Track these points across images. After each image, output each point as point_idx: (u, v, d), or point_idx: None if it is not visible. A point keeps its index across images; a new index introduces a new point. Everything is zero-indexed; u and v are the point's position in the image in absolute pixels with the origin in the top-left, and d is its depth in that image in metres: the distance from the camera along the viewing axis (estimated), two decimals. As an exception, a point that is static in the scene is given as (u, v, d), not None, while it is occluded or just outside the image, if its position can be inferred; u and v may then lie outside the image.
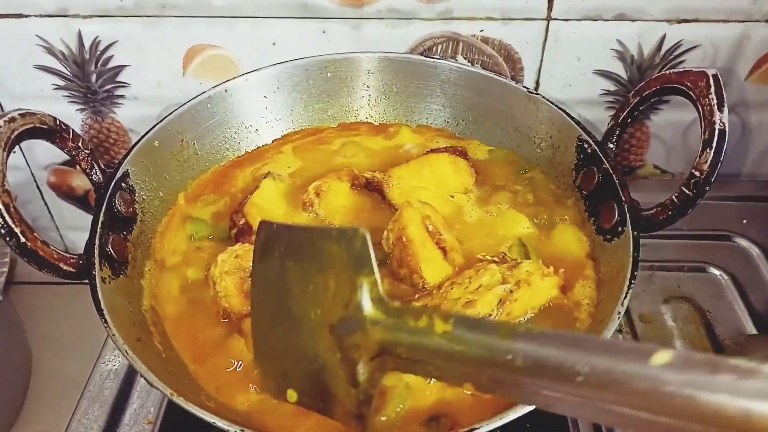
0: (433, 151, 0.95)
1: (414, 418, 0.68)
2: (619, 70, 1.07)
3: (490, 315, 0.72)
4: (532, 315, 0.75)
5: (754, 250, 1.04)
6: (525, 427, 0.74)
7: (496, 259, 0.79)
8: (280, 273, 0.62)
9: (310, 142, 1.01)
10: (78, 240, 1.31)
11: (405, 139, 1.01)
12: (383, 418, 0.68)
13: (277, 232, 0.65)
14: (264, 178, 0.91)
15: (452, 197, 0.89)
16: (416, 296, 0.76)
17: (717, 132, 0.72)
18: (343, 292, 0.57)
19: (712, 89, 0.73)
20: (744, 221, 1.08)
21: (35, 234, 0.69)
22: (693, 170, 0.74)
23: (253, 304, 0.67)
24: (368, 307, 0.55)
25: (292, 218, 0.88)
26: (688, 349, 0.39)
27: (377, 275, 0.56)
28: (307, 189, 0.89)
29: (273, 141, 1.02)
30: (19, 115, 0.71)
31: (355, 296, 0.56)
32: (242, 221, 0.84)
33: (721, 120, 0.72)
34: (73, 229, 1.30)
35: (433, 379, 0.69)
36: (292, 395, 0.63)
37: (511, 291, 0.73)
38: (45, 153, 1.17)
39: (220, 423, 0.61)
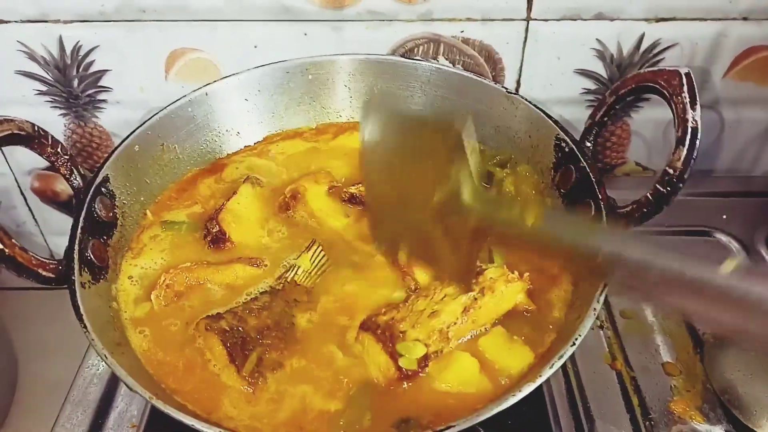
0: None
1: (384, 421, 0.68)
2: (599, 69, 1.08)
3: (454, 323, 0.73)
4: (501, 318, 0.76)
5: (734, 246, 1.05)
6: (507, 423, 0.74)
7: None
8: (386, 154, 0.69)
9: (290, 144, 1.02)
10: (63, 245, 1.28)
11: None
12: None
13: (384, 114, 0.71)
14: (243, 182, 0.91)
15: None
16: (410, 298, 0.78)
17: (690, 129, 0.73)
18: (441, 179, 0.64)
19: (685, 87, 0.74)
20: (723, 216, 1.09)
21: (13, 240, 0.69)
22: (667, 168, 0.75)
23: (366, 180, 0.76)
24: (466, 194, 0.63)
25: (270, 223, 0.88)
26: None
27: (471, 166, 0.63)
28: (283, 192, 0.89)
29: (255, 143, 1.02)
30: (-4, 121, 0.71)
31: (453, 183, 0.63)
32: (216, 229, 0.84)
33: (693, 118, 0.73)
34: (58, 234, 1.30)
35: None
36: (402, 256, 0.76)
37: (475, 298, 0.74)
38: (28, 158, 1.17)
39: (199, 426, 0.62)
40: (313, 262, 0.81)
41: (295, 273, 0.80)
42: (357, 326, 0.75)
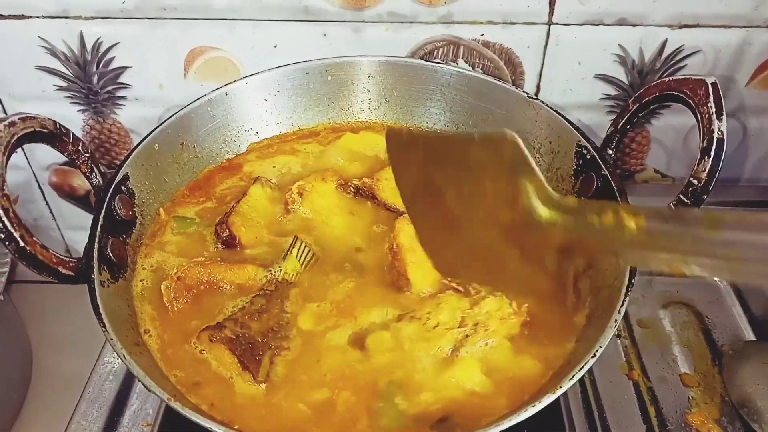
0: None
1: (425, 421, 0.68)
2: (620, 74, 1.07)
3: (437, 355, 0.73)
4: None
5: (754, 256, 1.04)
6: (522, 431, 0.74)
7: (460, 288, 0.78)
8: (426, 179, 0.61)
9: (306, 144, 1.02)
10: (79, 240, 1.31)
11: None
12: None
13: (409, 140, 0.64)
14: (253, 184, 0.90)
15: None
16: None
17: (715, 140, 0.72)
18: (505, 195, 0.55)
19: (711, 97, 0.73)
20: (744, 227, 1.08)
21: (34, 238, 0.69)
22: (691, 178, 0.74)
23: (408, 208, 0.66)
24: (540, 208, 0.53)
25: (281, 224, 0.88)
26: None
27: (539, 174, 0.54)
28: (290, 188, 0.89)
29: (272, 143, 1.02)
30: (19, 119, 0.71)
31: (522, 199, 0.54)
32: (226, 233, 0.84)
33: (719, 128, 0.72)
34: (74, 228, 1.31)
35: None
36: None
37: (467, 335, 0.73)
38: (46, 153, 1.17)
39: (216, 428, 0.62)
40: (300, 259, 0.82)
41: (284, 273, 0.81)
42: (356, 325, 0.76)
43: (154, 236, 0.87)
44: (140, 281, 0.82)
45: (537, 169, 0.54)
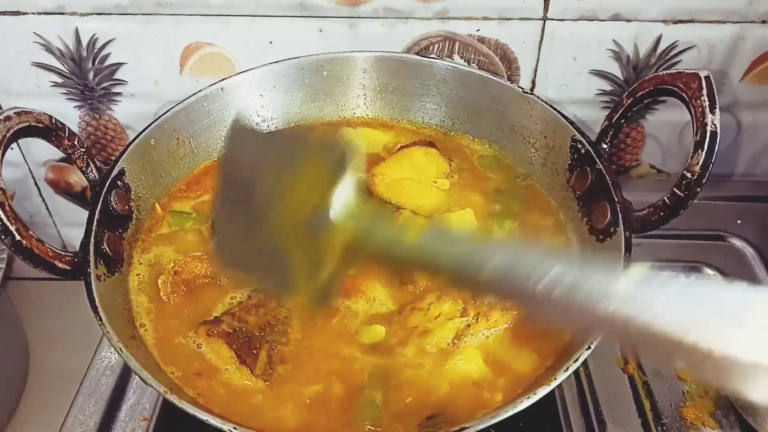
0: (402, 147, 0.95)
1: (415, 416, 0.69)
2: (615, 70, 1.07)
3: (447, 346, 0.73)
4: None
5: (749, 250, 1.04)
6: (518, 426, 0.74)
7: None
8: (249, 169, 0.62)
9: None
10: (75, 236, 1.31)
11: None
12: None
13: (251, 133, 0.65)
14: None
15: (435, 182, 0.92)
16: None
17: (709, 133, 0.73)
18: (316, 192, 0.57)
19: (704, 91, 0.74)
20: (739, 221, 1.08)
21: (30, 232, 0.70)
22: (685, 171, 0.74)
23: (217, 193, 0.67)
24: (339, 208, 0.56)
25: None
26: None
27: (352, 179, 0.56)
28: None
29: (269, 139, 1.02)
30: (14, 113, 0.72)
31: (328, 197, 0.56)
32: None
33: (712, 122, 0.73)
34: (71, 225, 1.31)
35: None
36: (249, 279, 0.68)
37: (468, 325, 0.74)
38: (42, 149, 1.17)
39: (212, 421, 0.62)
40: None
41: None
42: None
43: (150, 231, 0.87)
44: (137, 275, 0.82)
45: (352, 172, 0.56)
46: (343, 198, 0.56)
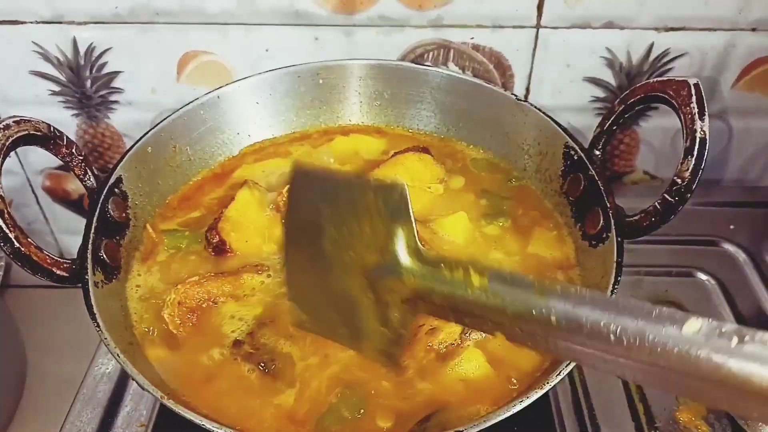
0: (397, 153, 0.96)
1: (412, 417, 0.69)
2: (608, 77, 1.08)
3: (451, 344, 0.74)
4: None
5: (741, 256, 1.05)
6: (512, 429, 0.75)
7: None
8: (314, 215, 0.63)
9: (298, 147, 1.02)
10: (72, 243, 1.32)
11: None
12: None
13: (313, 178, 0.66)
14: (240, 188, 0.90)
15: (429, 188, 0.94)
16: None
17: (698, 140, 0.74)
18: (378, 239, 0.58)
19: (694, 98, 0.75)
20: (731, 227, 1.09)
21: (29, 239, 0.70)
22: (675, 177, 0.75)
23: (286, 243, 0.67)
24: (404, 255, 0.56)
25: (272, 228, 0.88)
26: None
27: (414, 225, 0.57)
28: (281, 191, 0.89)
29: (264, 146, 1.02)
30: (13, 122, 0.72)
31: (390, 244, 0.57)
32: (216, 239, 0.84)
33: (702, 128, 0.74)
34: (68, 232, 1.31)
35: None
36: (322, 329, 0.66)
37: None
38: (40, 157, 1.18)
39: (210, 426, 0.62)
40: None
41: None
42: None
43: (146, 259, 0.86)
44: (136, 285, 0.82)
45: (413, 217, 0.57)
46: (407, 245, 0.56)
